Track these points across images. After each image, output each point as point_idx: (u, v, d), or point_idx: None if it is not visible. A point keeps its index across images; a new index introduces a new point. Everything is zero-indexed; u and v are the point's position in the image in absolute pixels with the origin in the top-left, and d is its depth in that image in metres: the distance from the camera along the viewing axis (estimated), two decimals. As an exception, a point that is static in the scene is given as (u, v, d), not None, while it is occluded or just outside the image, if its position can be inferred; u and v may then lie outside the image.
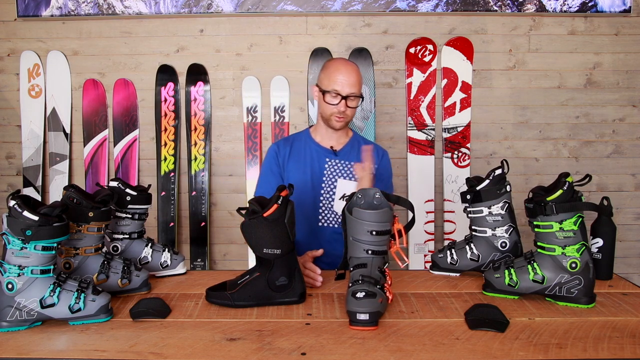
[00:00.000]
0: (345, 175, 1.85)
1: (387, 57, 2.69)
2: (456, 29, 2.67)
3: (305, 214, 1.84)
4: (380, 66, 2.69)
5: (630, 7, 2.60)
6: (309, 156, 1.88)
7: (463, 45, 2.64)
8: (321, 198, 1.84)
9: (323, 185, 1.85)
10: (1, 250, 1.20)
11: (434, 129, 2.69)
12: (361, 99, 1.81)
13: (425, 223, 2.67)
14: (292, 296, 1.32)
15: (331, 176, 1.85)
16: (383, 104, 2.71)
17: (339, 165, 1.85)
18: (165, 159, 2.71)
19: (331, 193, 1.84)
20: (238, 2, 2.61)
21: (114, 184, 1.49)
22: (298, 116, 2.72)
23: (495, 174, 1.48)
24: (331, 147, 1.87)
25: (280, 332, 1.15)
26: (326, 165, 1.85)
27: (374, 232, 1.22)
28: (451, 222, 2.69)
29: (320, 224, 1.84)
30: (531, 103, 2.72)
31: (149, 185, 1.60)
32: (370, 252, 1.23)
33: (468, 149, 2.69)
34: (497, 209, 1.47)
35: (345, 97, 1.75)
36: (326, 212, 1.84)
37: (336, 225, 1.83)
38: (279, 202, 1.27)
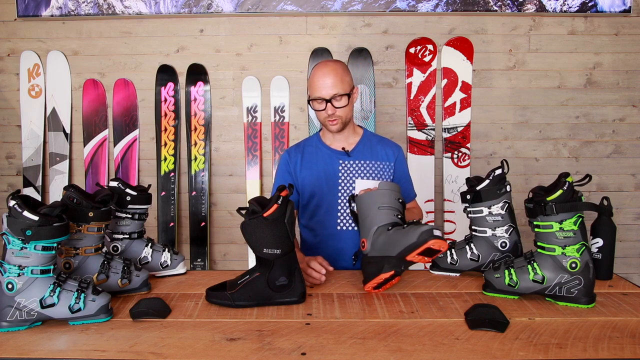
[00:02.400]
0: (362, 174, 1.81)
1: (387, 57, 2.69)
2: (456, 29, 2.67)
3: (323, 219, 1.81)
4: (380, 66, 2.69)
5: (630, 7, 2.60)
6: (321, 161, 1.83)
7: (463, 45, 2.64)
8: (339, 201, 1.80)
9: (340, 188, 1.80)
10: (1, 250, 1.20)
11: (434, 129, 2.69)
12: (348, 96, 1.73)
13: (425, 223, 2.67)
14: (292, 296, 1.32)
15: (347, 178, 1.81)
16: (383, 104, 2.71)
17: (353, 165, 1.81)
18: (165, 159, 2.71)
19: (349, 195, 1.78)
20: (238, 2, 2.62)
21: (114, 184, 1.49)
22: (298, 116, 2.72)
23: (495, 174, 1.48)
24: (343, 148, 1.83)
25: (280, 332, 1.15)
26: (340, 168, 1.81)
27: (400, 200, 1.41)
28: (451, 222, 2.69)
29: (339, 227, 1.80)
30: (531, 103, 2.72)
31: (149, 185, 1.60)
32: (399, 216, 1.39)
33: (468, 149, 2.69)
34: (497, 209, 1.47)
35: (329, 100, 1.71)
36: (345, 215, 1.80)
37: (356, 228, 1.75)
38: (279, 202, 1.27)
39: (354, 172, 1.81)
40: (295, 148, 1.91)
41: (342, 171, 1.81)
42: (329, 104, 1.72)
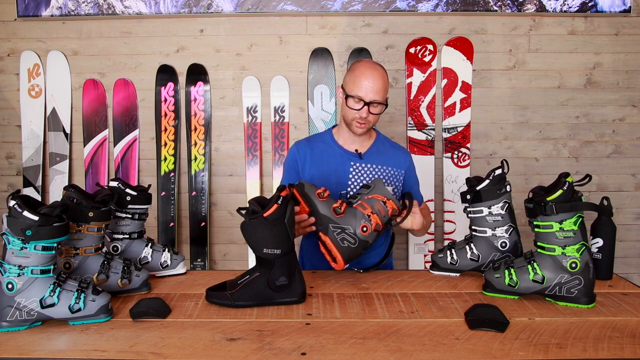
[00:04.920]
0: (372, 179, 1.76)
1: (387, 57, 2.69)
2: (456, 29, 2.67)
3: None
4: (380, 66, 2.69)
5: (630, 7, 2.60)
6: (332, 160, 1.78)
7: (463, 45, 2.64)
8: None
9: (349, 189, 1.76)
10: (1, 250, 1.20)
11: (434, 129, 2.69)
12: (385, 107, 1.72)
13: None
14: (292, 296, 1.32)
15: (358, 181, 1.76)
16: (383, 104, 2.71)
17: (365, 169, 1.77)
18: (165, 159, 2.71)
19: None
20: (238, 2, 2.62)
21: (114, 184, 1.49)
22: (298, 116, 2.72)
23: (495, 174, 1.48)
24: (356, 150, 1.78)
25: (280, 332, 1.15)
26: (351, 169, 1.77)
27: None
28: (451, 222, 2.69)
29: None
30: (531, 103, 2.72)
31: (149, 185, 1.60)
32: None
33: (468, 149, 2.69)
34: (497, 209, 1.47)
35: (368, 104, 1.67)
36: None
37: None
38: (279, 202, 1.27)
39: (364, 175, 1.77)
40: (305, 142, 1.86)
41: (353, 173, 1.77)
42: (366, 107, 1.67)
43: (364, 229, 1.43)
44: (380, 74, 1.70)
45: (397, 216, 1.50)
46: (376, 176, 1.78)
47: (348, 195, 1.74)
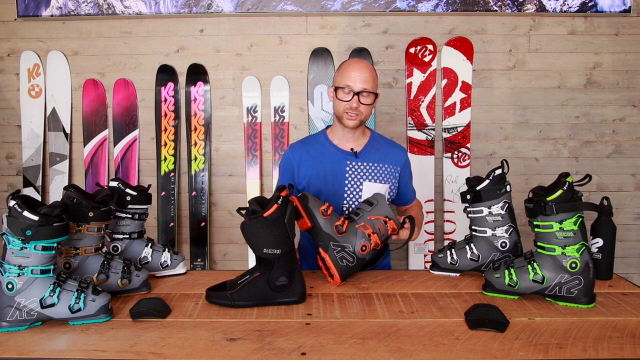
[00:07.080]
0: (370, 177, 1.77)
1: (387, 57, 2.69)
2: (456, 29, 2.67)
3: None
4: (380, 66, 2.69)
5: (630, 7, 2.60)
6: (328, 160, 1.78)
7: (463, 45, 2.64)
8: (344, 202, 1.76)
9: (346, 189, 1.76)
10: (1, 250, 1.20)
11: (434, 129, 2.69)
12: (376, 97, 1.74)
13: (426, 223, 2.67)
14: (292, 296, 1.32)
15: (355, 179, 1.77)
16: (383, 104, 2.71)
17: (361, 167, 1.77)
18: (165, 159, 2.71)
19: (357, 197, 1.76)
20: (238, 2, 2.61)
21: (114, 184, 1.49)
22: (298, 116, 2.72)
23: (495, 174, 1.48)
24: (351, 149, 1.79)
25: (280, 332, 1.15)
26: (347, 169, 1.77)
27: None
28: (451, 222, 2.69)
29: None
30: (531, 103, 2.72)
31: (149, 185, 1.60)
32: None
33: (468, 149, 2.69)
34: (497, 209, 1.47)
35: (357, 93, 1.69)
36: None
37: None
38: (279, 202, 1.27)
39: (361, 174, 1.77)
40: (300, 144, 1.86)
41: (349, 172, 1.77)
42: (356, 96, 1.70)
43: (363, 248, 1.47)
44: (368, 65, 1.74)
45: (394, 234, 1.57)
46: (373, 174, 1.79)
47: (349, 210, 1.75)
